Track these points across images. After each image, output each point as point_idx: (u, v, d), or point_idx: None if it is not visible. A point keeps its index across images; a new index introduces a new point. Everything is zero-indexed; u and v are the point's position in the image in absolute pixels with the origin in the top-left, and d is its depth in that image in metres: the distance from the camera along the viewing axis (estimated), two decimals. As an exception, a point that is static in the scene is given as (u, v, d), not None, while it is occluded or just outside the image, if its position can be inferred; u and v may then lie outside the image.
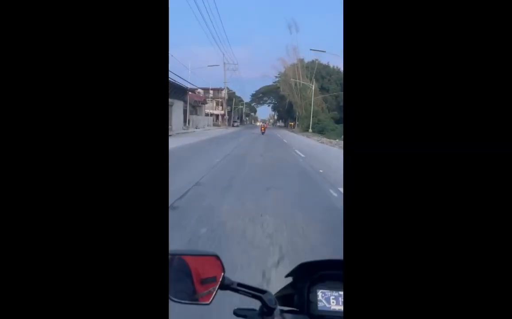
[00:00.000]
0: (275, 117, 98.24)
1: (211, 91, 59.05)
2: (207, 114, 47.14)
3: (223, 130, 33.84)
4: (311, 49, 21.07)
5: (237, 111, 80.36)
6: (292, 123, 64.08)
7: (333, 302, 0.69)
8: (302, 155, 11.61)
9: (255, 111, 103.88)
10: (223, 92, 60.62)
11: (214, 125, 52.15)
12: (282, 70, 51.30)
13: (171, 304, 0.48)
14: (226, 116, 55.26)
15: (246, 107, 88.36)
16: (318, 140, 23.02)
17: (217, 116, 57.64)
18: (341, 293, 0.70)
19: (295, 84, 44.89)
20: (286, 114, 63.60)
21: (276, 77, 57.13)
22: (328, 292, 0.70)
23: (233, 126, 63.26)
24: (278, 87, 54.20)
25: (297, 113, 49.04)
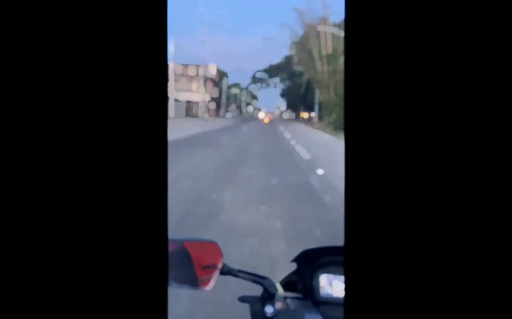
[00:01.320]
0: (281, 108, 79.68)
1: (194, 68, 41.38)
2: (177, 100, 29.76)
3: (186, 130, 16.50)
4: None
5: (233, 98, 63.30)
6: (306, 114, 46.30)
7: (336, 288, 0.72)
8: None
9: (256, 98, 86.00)
10: (210, 68, 43.07)
11: (188, 115, 34.92)
12: (297, 32, 33.68)
13: (172, 292, 0.48)
14: (208, 104, 37.60)
15: (247, 93, 71.14)
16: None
17: (197, 103, 40.07)
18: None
19: (319, 51, 27.58)
20: (299, 101, 45.56)
21: (287, 48, 39.24)
22: (331, 277, 0.72)
23: (224, 117, 45.90)
24: (291, 57, 36.61)
25: (319, 99, 31.82)
